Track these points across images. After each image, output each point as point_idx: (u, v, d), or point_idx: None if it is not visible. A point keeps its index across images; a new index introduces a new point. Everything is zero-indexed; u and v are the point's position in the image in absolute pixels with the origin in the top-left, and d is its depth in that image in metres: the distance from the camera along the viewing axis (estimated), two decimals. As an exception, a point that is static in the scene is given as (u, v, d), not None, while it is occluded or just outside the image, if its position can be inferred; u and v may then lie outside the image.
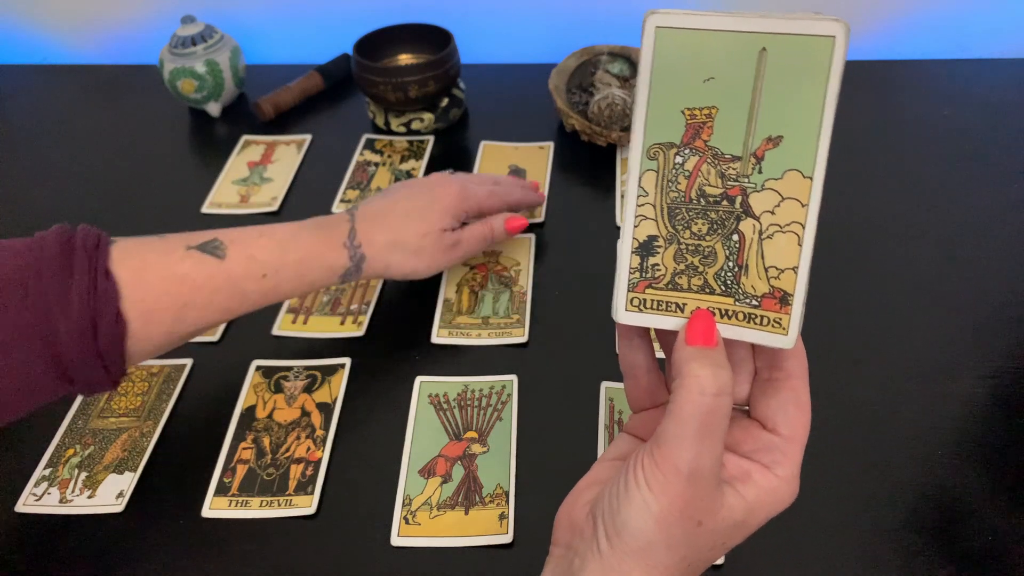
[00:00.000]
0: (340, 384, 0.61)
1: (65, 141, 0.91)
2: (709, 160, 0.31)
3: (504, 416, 0.58)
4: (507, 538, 0.51)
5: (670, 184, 0.31)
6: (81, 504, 0.54)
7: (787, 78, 0.29)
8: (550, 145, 0.85)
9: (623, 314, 0.33)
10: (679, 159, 0.31)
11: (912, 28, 0.98)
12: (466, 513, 0.52)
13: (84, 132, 0.92)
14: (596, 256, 0.71)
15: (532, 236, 0.73)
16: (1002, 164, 0.79)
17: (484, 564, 0.50)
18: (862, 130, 0.85)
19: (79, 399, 0.61)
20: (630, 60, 0.89)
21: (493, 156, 0.85)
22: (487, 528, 0.51)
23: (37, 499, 0.54)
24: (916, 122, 0.86)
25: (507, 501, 0.53)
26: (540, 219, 0.75)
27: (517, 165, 0.83)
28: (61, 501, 0.54)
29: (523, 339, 0.64)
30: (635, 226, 0.32)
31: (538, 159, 0.83)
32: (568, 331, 0.64)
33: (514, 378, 0.61)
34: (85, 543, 0.52)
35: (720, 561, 0.49)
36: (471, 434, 0.57)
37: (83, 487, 0.55)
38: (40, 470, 0.56)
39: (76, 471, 0.56)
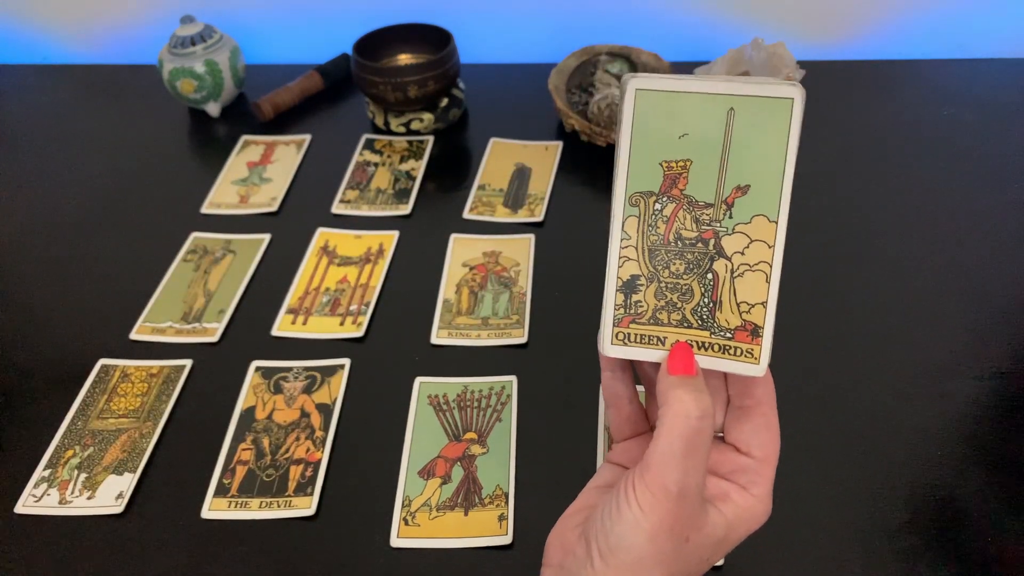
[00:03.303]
0: (340, 385, 0.61)
1: (65, 141, 0.91)
2: (685, 207, 0.34)
3: (504, 417, 0.58)
4: (506, 539, 0.51)
5: (650, 228, 0.35)
6: (80, 505, 0.54)
7: (753, 134, 0.33)
8: (558, 145, 0.85)
9: (610, 347, 0.36)
10: (658, 206, 0.34)
11: (912, 28, 0.98)
12: (465, 514, 0.52)
13: (84, 132, 0.92)
14: (596, 256, 0.71)
15: (532, 236, 0.73)
16: (1002, 164, 0.79)
17: (484, 565, 0.50)
18: (862, 130, 0.85)
19: (78, 400, 0.61)
20: (630, 60, 0.88)
21: (501, 154, 0.85)
22: (486, 529, 0.51)
23: (36, 500, 0.54)
24: (916, 122, 0.86)
25: (506, 502, 0.53)
26: (540, 219, 0.75)
27: (524, 164, 0.83)
28: (60, 502, 0.54)
29: (523, 339, 0.64)
30: (619, 266, 0.35)
31: (545, 159, 0.83)
32: (568, 331, 0.64)
33: (514, 379, 0.61)
34: (85, 545, 0.52)
35: (720, 562, 0.49)
36: (470, 435, 0.57)
37: (82, 488, 0.55)
38: (39, 471, 0.56)
39: (75, 472, 0.56)
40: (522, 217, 0.76)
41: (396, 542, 0.51)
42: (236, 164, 0.85)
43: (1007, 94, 0.89)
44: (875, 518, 0.51)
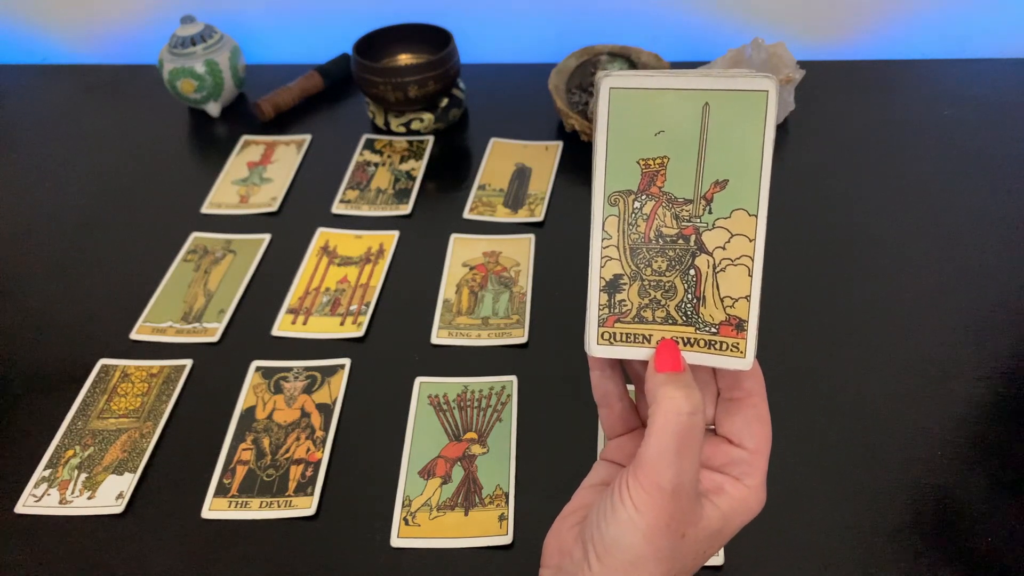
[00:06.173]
0: (340, 385, 0.61)
1: (65, 141, 0.91)
2: (664, 204, 0.34)
3: (504, 417, 0.58)
4: (507, 539, 0.51)
5: (630, 227, 0.35)
6: (81, 505, 0.54)
7: (729, 128, 0.32)
8: (558, 145, 0.85)
9: (596, 348, 0.36)
10: (637, 204, 0.35)
11: (912, 28, 0.98)
12: (466, 514, 0.52)
13: (84, 132, 0.92)
14: (596, 256, 0.71)
15: (532, 236, 0.73)
16: (1002, 164, 0.79)
17: (484, 565, 0.50)
18: (862, 130, 0.85)
19: (79, 400, 0.61)
20: (630, 60, 0.88)
21: (501, 154, 0.85)
22: (487, 529, 0.51)
23: (37, 500, 0.54)
24: (916, 122, 0.86)
25: (507, 502, 0.53)
26: (540, 219, 0.75)
27: (524, 164, 0.83)
28: (61, 502, 0.54)
29: (523, 339, 0.64)
30: (601, 266, 0.36)
31: (545, 159, 0.83)
32: (568, 331, 0.64)
33: (514, 379, 0.61)
34: (85, 545, 0.52)
35: (720, 562, 0.49)
36: (471, 435, 0.57)
37: (83, 488, 0.55)
38: (40, 471, 0.56)
39: (76, 472, 0.56)
40: (522, 217, 0.76)
41: (396, 542, 0.51)
42: (236, 164, 0.85)
43: (1007, 94, 0.89)
44: (875, 518, 0.51)
